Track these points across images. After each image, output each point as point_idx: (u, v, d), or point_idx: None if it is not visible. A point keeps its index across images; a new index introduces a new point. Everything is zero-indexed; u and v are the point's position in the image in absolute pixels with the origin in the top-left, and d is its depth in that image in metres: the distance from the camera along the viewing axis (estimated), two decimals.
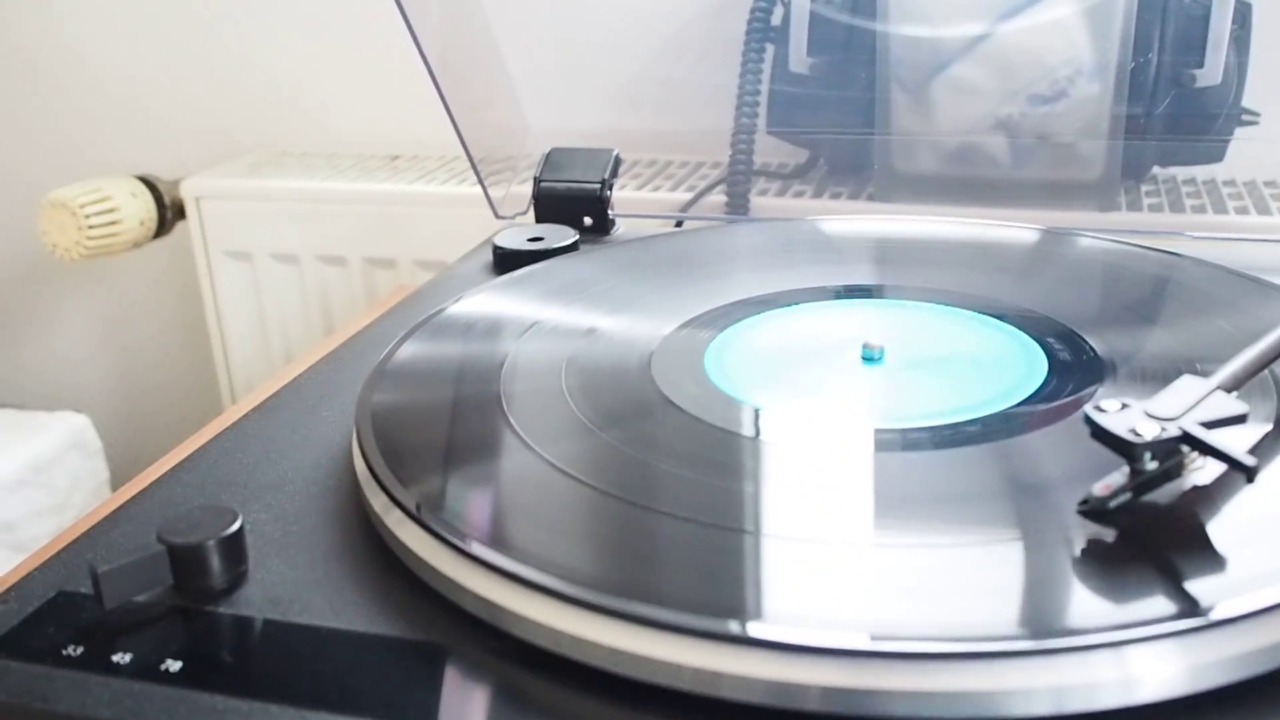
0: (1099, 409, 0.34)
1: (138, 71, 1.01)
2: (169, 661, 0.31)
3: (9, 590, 0.35)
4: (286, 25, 0.96)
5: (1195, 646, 0.28)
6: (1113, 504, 0.33)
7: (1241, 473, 0.32)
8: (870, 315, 0.49)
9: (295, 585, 0.34)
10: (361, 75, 0.95)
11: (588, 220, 0.65)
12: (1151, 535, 0.32)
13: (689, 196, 0.79)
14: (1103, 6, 0.69)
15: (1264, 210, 0.74)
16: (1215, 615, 0.28)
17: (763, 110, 0.79)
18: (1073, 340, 0.45)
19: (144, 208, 0.92)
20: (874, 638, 0.28)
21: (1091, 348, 0.44)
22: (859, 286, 0.52)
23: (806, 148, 0.82)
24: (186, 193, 0.91)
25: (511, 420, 0.41)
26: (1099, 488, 0.33)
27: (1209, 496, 0.34)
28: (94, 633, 0.32)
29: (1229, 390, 0.36)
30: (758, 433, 0.39)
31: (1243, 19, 0.71)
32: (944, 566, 0.31)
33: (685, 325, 0.48)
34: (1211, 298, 0.49)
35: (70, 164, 1.02)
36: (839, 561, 0.32)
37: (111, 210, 0.90)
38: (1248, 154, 0.75)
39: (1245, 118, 0.73)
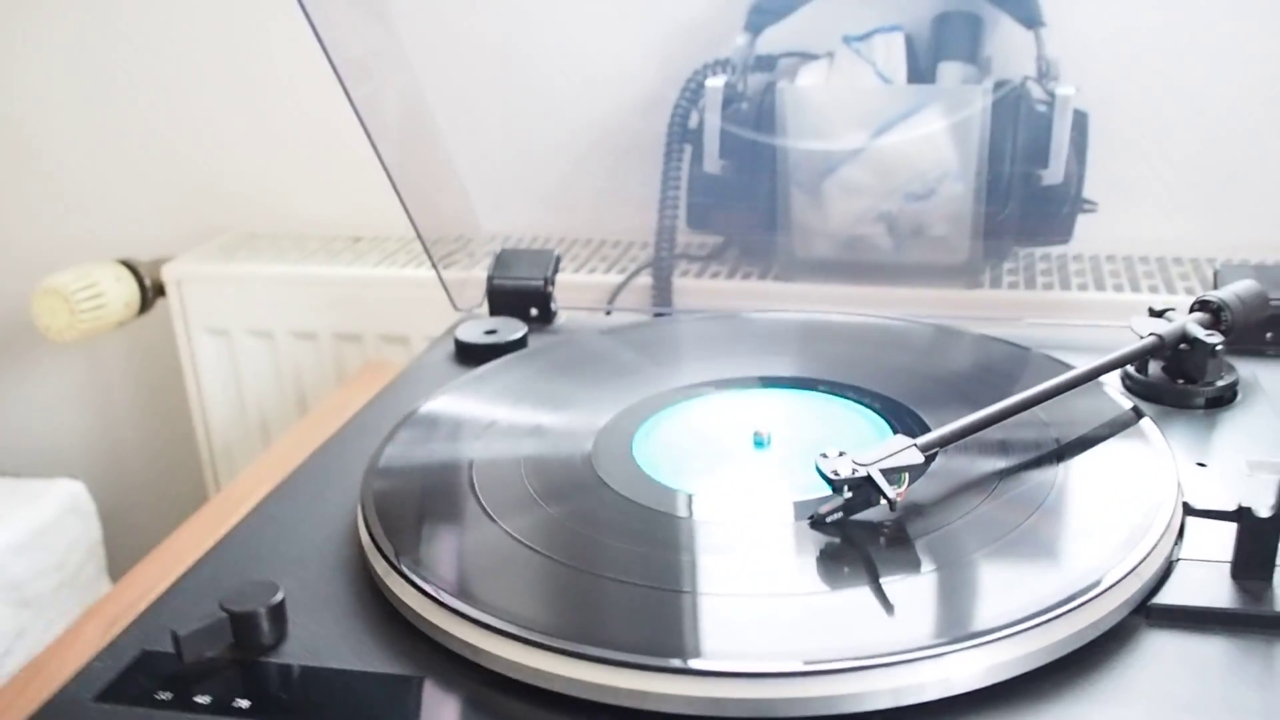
0: (823, 455, 0.48)
1: (113, 158, 1.11)
2: (239, 700, 0.42)
3: (101, 653, 0.45)
4: (255, 115, 1.06)
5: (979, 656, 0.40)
6: (829, 519, 0.48)
7: (889, 504, 0.47)
8: (759, 402, 0.61)
9: (325, 638, 0.45)
10: (325, 162, 1.06)
11: (534, 311, 0.77)
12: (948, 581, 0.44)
13: (620, 279, 0.91)
14: (964, 122, 0.82)
15: (1100, 285, 0.87)
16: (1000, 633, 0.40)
17: (682, 202, 0.91)
18: (914, 417, 0.57)
19: (128, 290, 1.02)
20: (751, 662, 0.40)
21: (924, 422, 0.57)
22: (750, 378, 0.64)
23: (721, 235, 0.94)
24: (168, 276, 1.01)
25: (481, 501, 0.52)
26: (822, 509, 0.48)
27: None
28: (177, 682, 0.43)
29: (924, 449, 0.49)
30: (679, 510, 0.51)
31: (1081, 126, 0.85)
32: (799, 608, 0.43)
33: (615, 418, 0.60)
34: (1015, 377, 0.61)
35: (53, 246, 1.12)
36: (727, 609, 0.44)
37: (99, 295, 1.00)
38: (1089, 235, 0.89)
39: (1085, 206, 0.87)
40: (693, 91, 0.91)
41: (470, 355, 0.71)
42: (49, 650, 0.57)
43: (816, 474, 0.48)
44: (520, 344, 0.72)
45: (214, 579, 0.50)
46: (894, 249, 0.87)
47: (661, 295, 0.90)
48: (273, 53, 1.04)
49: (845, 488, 0.47)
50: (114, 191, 1.12)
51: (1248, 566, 0.45)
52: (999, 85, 0.83)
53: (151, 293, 1.05)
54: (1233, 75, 0.86)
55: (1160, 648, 0.43)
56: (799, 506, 0.50)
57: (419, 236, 0.78)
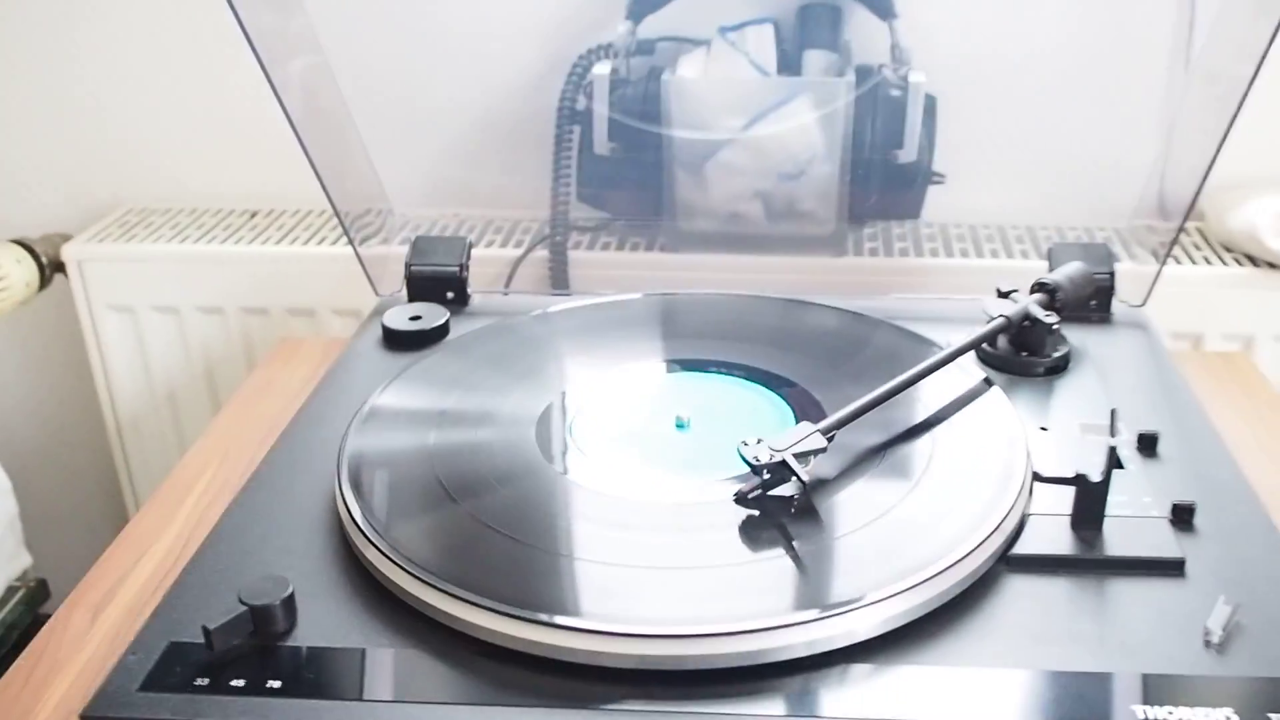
0: (744, 443, 0.57)
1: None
2: (271, 682, 0.49)
3: (132, 645, 0.52)
4: (144, 90, 1.09)
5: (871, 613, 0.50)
6: (750, 496, 0.57)
7: (801, 484, 0.56)
8: (677, 384, 0.70)
9: (328, 621, 0.53)
10: (216, 137, 1.09)
11: (450, 294, 0.84)
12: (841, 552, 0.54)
13: (517, 253, 0.99)
14: (831, 113, 0.91)
15: (949, 251, 0.98)
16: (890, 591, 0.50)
17: (574, 180, 0.99)
18: (805, 395, 0.67)
19: (28, 271, 1.05)
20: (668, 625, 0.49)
21: (816, 399, 0.66)
22: (671, 360, 0.73)
23: (609, 211, 1.02)
24: (69, 256, 1.04)
25: (446, 487, 0.59)
26: (744, 488, 0.57)
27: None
28: (211, 669, 0.50)
29: (825, 433, 0.59)
30: (619, 491, 0.59)
31: (931, 109, 0.95)
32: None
33: (551, 405, 0.68)
34: (891, 354, 0.71)
35: None
36: (670, 579, 0.53)
37: (2, 279, 1.02)
38: (938, 206, 0.99)
39: (935, 179, 0.97)
40: (579, 75, 0.97)
41: (398, 341, 0.78)
42: (42, 638, 0.62)
43: (738, 458, 0.57)
44: (444, 330, 0.79)
45: (215, 572, 0.57)
46: (768, 223, 0.96)
47: (558, 270, 0.98)
48: (160, 27, 1.07)
49: (764, 471, 0.57)
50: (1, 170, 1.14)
51: (1084, 520, 0.56)
52: (861, 77, 0.92)
53: (49, 270, 1.07)
54: (1063, 64, 0.97)
55: (1018, 589, 0.54)
56: (723, 485, 0.59)
57: (338, 217, 0.83)
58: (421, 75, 1.03)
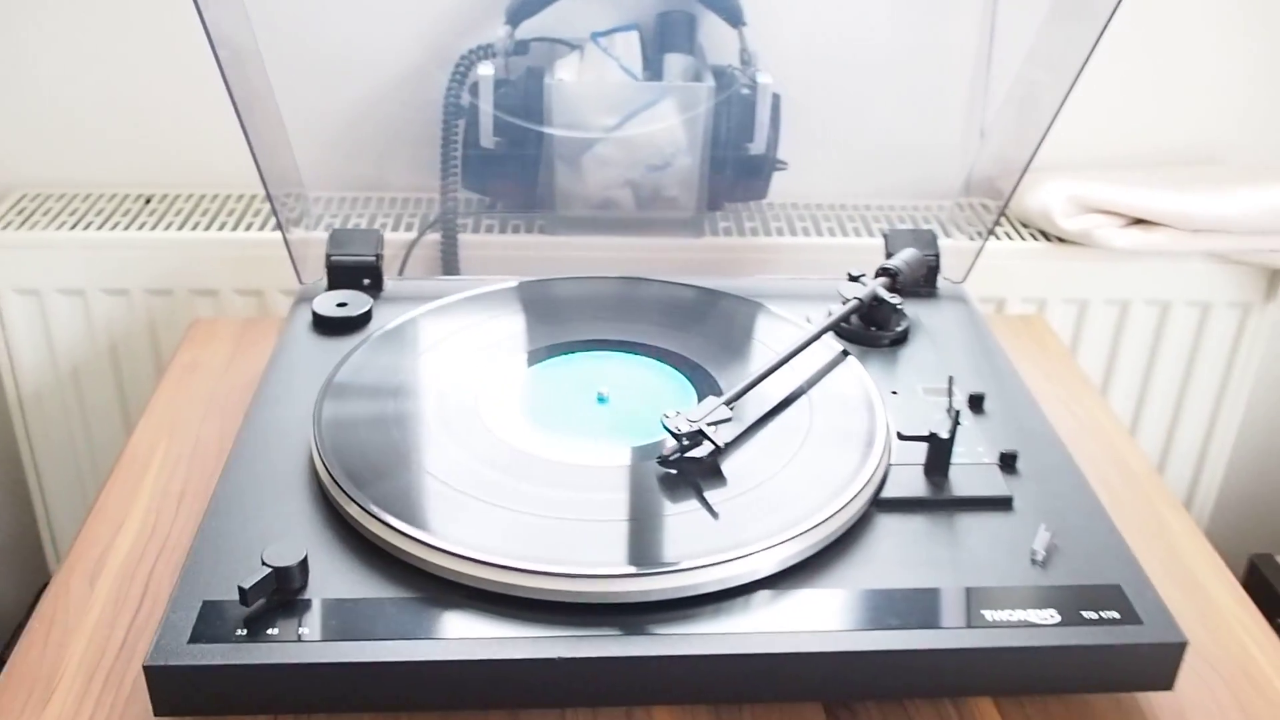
0: (666, 415, 0.70)
1: None
2: (302, 629, 0.60)
3: (171, 605, 0.61)
4: (36, 78, 1.13)
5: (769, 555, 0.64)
6: (671, 459, 0.69)
7: (717, 449, 0.69)
8: (595, 363, 0.82)
9: (336, 577, 0.63)
10: (108, 122, 1.14)
11: (366, 281, 0.93)
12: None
13: (412, 236, 1.08)
14: (693, 118, 1.03)
15: (793, 230, 1.13)
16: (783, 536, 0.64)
17: (459, 170, 1.09)
18: (702, 371, 0.80)
19: None
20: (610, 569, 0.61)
21: (711, 375, 0.79)
22: (590, 340, 0.84)
23: (493, 198, 1.12)
24: None
25: (414, 455, 0.70)
26: (665, 451, 0.70)
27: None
28: (247, 622, 0.60)
29: (728, 403, 0.72)
30: (561, 457, 0.71)
31: (776, 105, 1.08)
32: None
33: (493, 378, 0.79)
34: (764, 331, 0.85)
35: None
36: (605, 530, 0.65)
37: None
38: (782, 189, 1.14)
39: (778, 166, 1.11)
40: (462, 73, 1.07)
41: (328, 327, 0.87)
42: (48, 604, 0.70)
43: (661, 427, 0.70)
44: (368, 316, 0.89)
45: (222, 539, 0.66)
46: (637, 208, 1.08)
47: (449, 253, 1.08)
48: (45, 14, 1.10)
49: (684, 439, 0.69)
50: None
51: (934, 469, 0.71)
52: (720, 82, 1.05)
53: None
54: (889, 66, 1.12)
55: (886, 527, 0.68)
56: (642, 450, 0.72)
57: (271, 203, 0.89)
58: (317, 66, 1.10)
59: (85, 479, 1.18)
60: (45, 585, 0.75)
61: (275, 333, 0.99)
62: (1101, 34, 0.82)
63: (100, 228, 1.09)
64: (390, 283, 0.95)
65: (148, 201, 1.15)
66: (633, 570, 0.61)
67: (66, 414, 1.15)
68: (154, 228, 1.10)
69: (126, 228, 1.10)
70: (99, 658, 0.66)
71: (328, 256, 0.93)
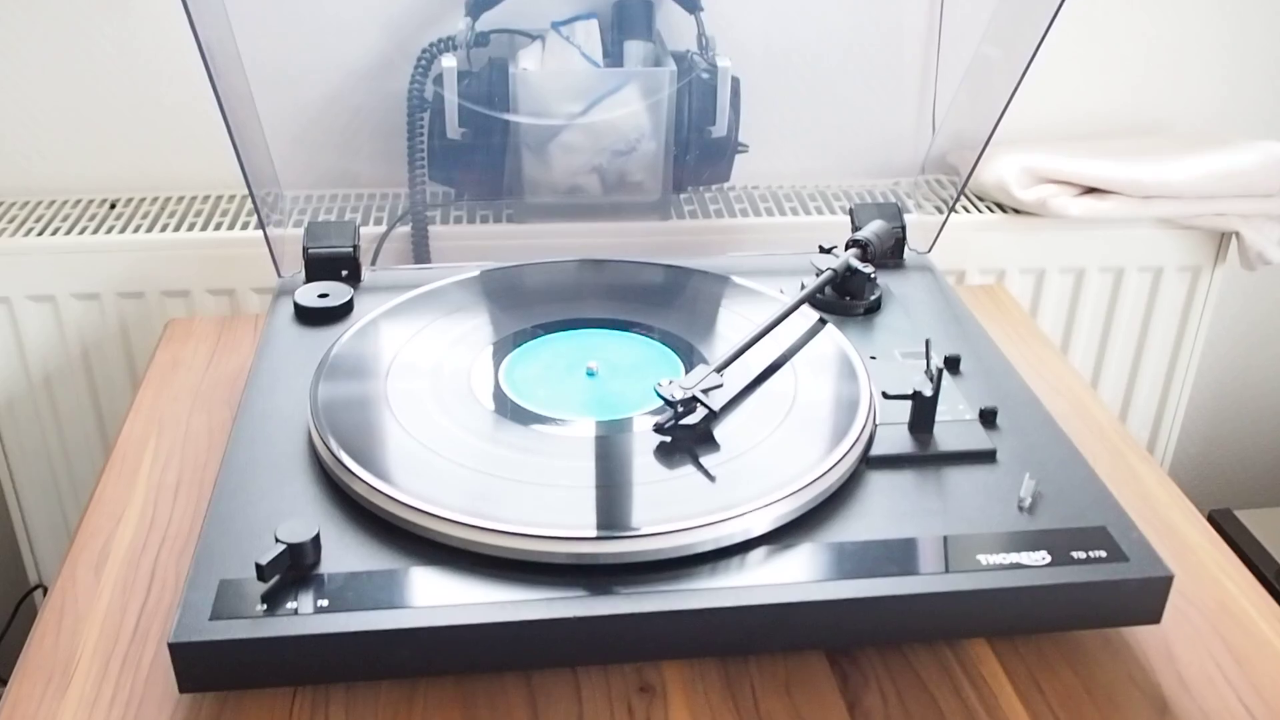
0: (659, 384, 0.72)
1: None
2: (320, 601, 0.61)
3: (188, 585, 0.62)
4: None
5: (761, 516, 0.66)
6: (667, 426, 0.71)
7: (712, 413, 0.71)
8: (581, 340, 0.84)
9: (345, 553, 0.64)
10: (67, 127, 1.14)
11: (344, 272, 0.94)
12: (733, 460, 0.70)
13: (381, 229, 1.09)
14: (656, 103, 1.05)
15: (756, 211, 1.15)
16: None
17: (426, 161, 1.10)
18: (686, 345, 0.82)
19: None
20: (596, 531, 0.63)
21: (697, 349, 0.81)
22: (575, 319, 0.86)
23: (460, 188, 1.13)
24: None
25: (408, 429, 0.71)
26: (661, 419, 0.72)
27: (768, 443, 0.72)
28: (266, 597, 0.61)
29: (718, 370, 0.74)
30: (554, 428, 0.73)
31: (736, 89, 1.11)
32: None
33: (482, 356, 0.80)
34: (740, 304, 0.87)
35: None
36: (606, 495, 0.67)
37: None
38: (744, 171, 1.16)
39: (739, 149, 1.13)
40: (425, 66, 1.08)
41: (310, 318, 0.88)
42: (58, 594, 0.71)
43: (658, 396, 0.72)
44: (350, 305, 0.90)
45: (230, 521, 0.67)
46: (604, 194, 1.10)
47: (419, 244, 1.09)
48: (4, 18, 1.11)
49: (679, 405, 0.71)
50: None
51: (919, 426, 0.74)
52: (679, 67, 1.07)
53: None
54: (845, 48, 1.15)
55: (876, 482, 0.70)
56: (642, 420, 0.74)
57: (254, 201, 0.89)
58: (286, 65, 1.11)
59: (61, 484, 1.18)
60: (28, 593, 0.75)
61: (253, 329, 0.99)
62: (1057, 12, 0.85)
63: (68, 233, 1.09)
64: (367, 273, 0.96)
65: (113, 206, 1.15)
66: (640, 531, 0.63)
67: (40, 420, 1.15)
68: (122, 231, 1.10)
69: (94, 232, 1.10)
70: (113, 643, 0.67)
71: (305, 250, 0.94)
